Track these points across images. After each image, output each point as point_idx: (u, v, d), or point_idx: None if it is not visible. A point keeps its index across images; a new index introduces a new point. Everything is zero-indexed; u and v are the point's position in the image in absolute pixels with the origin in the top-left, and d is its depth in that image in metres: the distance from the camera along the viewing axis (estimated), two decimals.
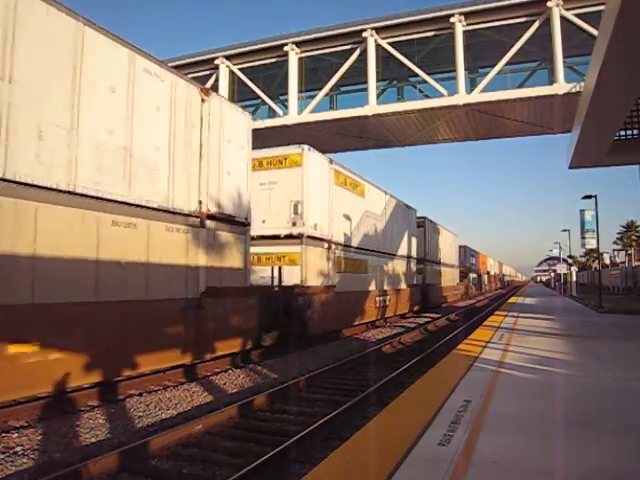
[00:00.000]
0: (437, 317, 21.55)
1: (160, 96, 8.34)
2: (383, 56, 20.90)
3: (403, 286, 21.35)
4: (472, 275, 46.84)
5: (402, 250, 21.48)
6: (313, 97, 21.93)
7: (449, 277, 33.89)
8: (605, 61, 7.27)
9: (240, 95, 23.33)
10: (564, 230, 41.37)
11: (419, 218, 25.68)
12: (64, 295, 6.35)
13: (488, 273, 65.37)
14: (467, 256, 44.73)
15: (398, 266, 20.86)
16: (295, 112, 21.95)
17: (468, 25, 19.39)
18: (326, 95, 22.12)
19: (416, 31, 20.19)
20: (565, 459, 3.33)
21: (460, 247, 41.89)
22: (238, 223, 10.35)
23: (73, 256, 6.52)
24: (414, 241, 23.84)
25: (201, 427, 5.79)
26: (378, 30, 20.43)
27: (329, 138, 23.55)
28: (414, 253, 23.72)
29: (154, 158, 8.15)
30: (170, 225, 8.36)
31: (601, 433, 3.89)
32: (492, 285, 71.49)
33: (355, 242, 15.83)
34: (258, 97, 23.16)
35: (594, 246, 29.89)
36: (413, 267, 23.43)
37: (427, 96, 21.26)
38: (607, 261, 77.21)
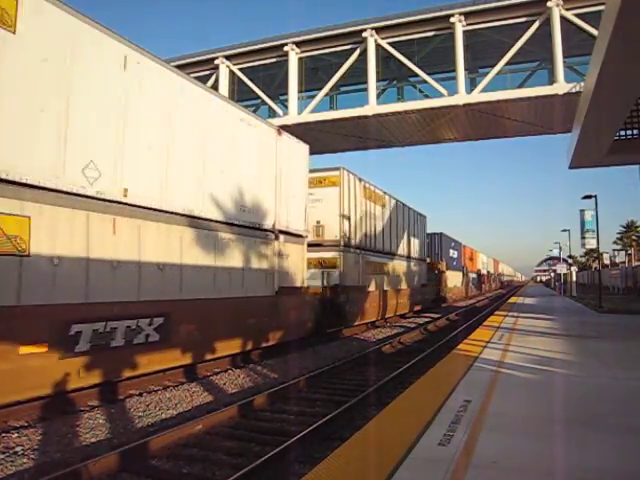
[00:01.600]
0: (437, 317, 21.54)
1: None
2: (383, 56, 20.89)
3: (253, 292, 10.31)
4: (449, 273, 33.20)
5: (260, 218, 10.67)
6: (313, 97, 21.92)
7: (403, 275, 21.58)
8: (605, 61, 7.27)
9: (240, 95, 23.32)
10: (564, 230, 41.45)
11: (328, 170, 15.33)
12: None
13: (479, 272, 52.92)
14: (444, 248, 32.22)
15: (236, 250, 9.84)
16: (295, 112, 21.95)
17: (468, 25, 19.39)
18: (326, 95, 22.11)
19: (416, 31, 20.18)
20: (565, 459, 3.33)
21: (432, 235, 29.84)
22: None
23: None
24: (302, 205, 12.57)
25: (201, 427, 5.79)
26: (378, 30, 20.42)
27: (329, 138, 23.56)
28: (302, 229, 12.58)
29: None
30: None
31: (601, 433, 3.89)
32: (485, 286, 58.34)
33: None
34: (258, 97, 23.15)
35: (594, 246, 29.91)
36: (298, 257, 12.27)
37: (427, 96, 21.25)
38: (607, 261, 77.22)
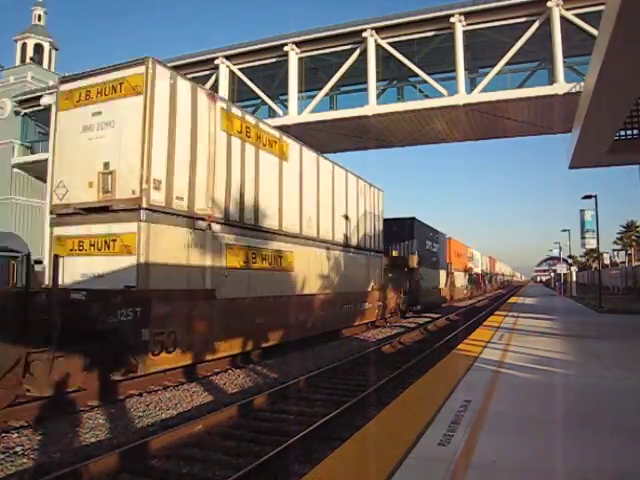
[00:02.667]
0: (437, 317, 21.55)
1: None
2: (383, 56, 20.90)
3: None
4: (426, 272, 25.23)
5: None
6: (313, 97, 21.93)
7: (333, 274, 14.43)
8: (605, 61, 7.26)
9: (240, 95, 23.33)
10: (564, 230, 41.43)
11: (124, 66, 8.48)
12: None
13: (471, 270, 44.81)
14: (417, 239, 23.63)
15: None
16: (295, 112, 21.96)
17: (468, 25, 19.40)
18: (326, 95, 22.12)
19: (416, 31, 20.19)
20: (565, 459, 3.33)
21: (398, 221, 22.44)
22: None
23: None
24: None
25: (201, 427, 5.79)
26: (378, 30, 20.44)
27: (329, 138, 23.55)
28: None
29: None
30: None
31: (601, 433, 3.89)
32: (478, 287, 50.47)
33: None
34: (258, 97, 23.16)
35: (594, 246, 29.90)
36: None
37: (427, 96, 21.25)
38: (607, 261, 77.20)
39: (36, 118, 30.02)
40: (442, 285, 30.84)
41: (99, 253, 8.06)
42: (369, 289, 17.43)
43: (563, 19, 18.26)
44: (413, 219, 23.78)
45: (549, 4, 18.24)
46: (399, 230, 22.28)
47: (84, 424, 6.03)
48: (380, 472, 3.06)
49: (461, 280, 39.30)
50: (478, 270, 51.46)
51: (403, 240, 22.71)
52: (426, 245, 26.44)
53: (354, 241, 16.31)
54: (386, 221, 20.60)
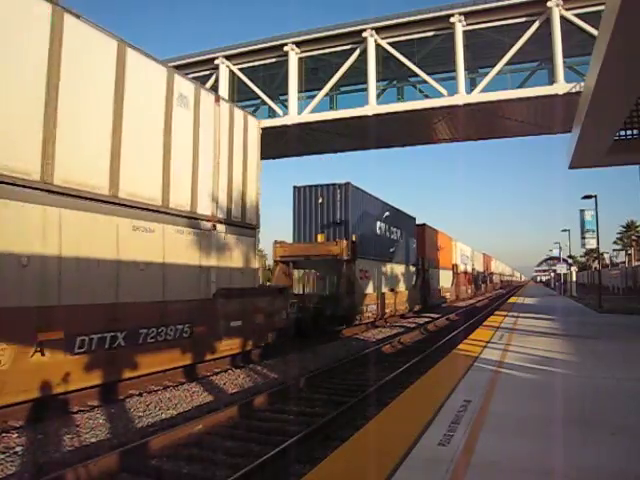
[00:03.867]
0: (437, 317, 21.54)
1: None
2: (383, 56, 20.89)
3: None
4: (371, 266, 17.41)
5: None
6: (313, 97, 21.92)
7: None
8: (605, 61, 7.26)
9: (240, 95, 23.32)
10: (564, 230, 41.32)
11: None
12: None
13: (455, 268, 36.79)
14: (356, 216, 16.42)
15: None
16: (295, 112, 21.94)
17: (468, 25, 19.39)
18: (326, 95, 22.11)
19: (416, 31, 20.19)
20: (564, 459, 3.33)
21: (322, 189, 16.27)
22: None
23: None
24: None
25: (201, 427, 5.79)
26: (378, 30, 20.43)
27: (329, 138, 23.55)
28: None
29: None
30: None
31: (600, 433, 3.89)
32: (467, 289, 42.55)
33: None
34: (258, 97, 23.15)
35: (594, 246, 29.87)
36: None
37: (427, 96, 21.25)
38: (607, 261, 77.21)
39: None
40: (408, 286, 22.95)
41: None
42: (206, 296, 9.23)
43: (563, 19, 18.25)
44: (348, 185, 16.04)
45: (549, 4, 18.23)
46: (328, 203, 15.63)
47: (84, 424, 6.03)
48: (380, 472, 3.06)
49: (443, 280, 31.80)
50: (469, 268, 44.16)
51: (334, 218, 15.72)
52: (376, 228, 18.55)
53: (164, 200, 8.38)
54: (308, 189, 15.92)
